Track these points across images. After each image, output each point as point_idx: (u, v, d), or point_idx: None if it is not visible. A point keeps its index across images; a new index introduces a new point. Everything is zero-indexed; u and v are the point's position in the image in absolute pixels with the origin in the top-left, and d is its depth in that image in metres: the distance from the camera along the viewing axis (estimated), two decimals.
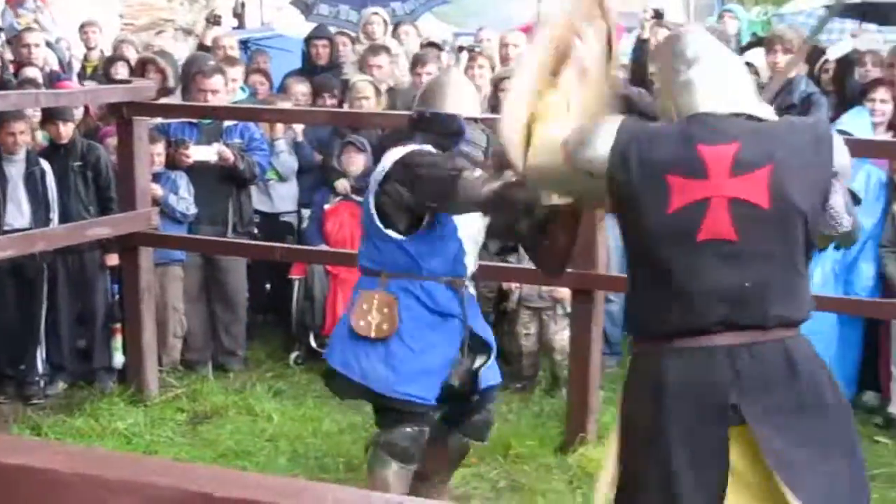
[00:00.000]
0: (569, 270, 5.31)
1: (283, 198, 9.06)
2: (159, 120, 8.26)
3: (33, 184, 7.60)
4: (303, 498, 1.45)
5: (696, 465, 3.60)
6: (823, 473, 3.66)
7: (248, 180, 8.38)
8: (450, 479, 5.88)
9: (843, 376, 7.42)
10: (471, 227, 5.24)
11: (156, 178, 7.94)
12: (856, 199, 4.18)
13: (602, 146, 3.73)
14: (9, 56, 10.31)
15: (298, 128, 9.02)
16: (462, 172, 4.87)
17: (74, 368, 7.93)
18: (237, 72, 9.26)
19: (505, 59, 9.53)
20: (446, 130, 5.19)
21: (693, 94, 3.80)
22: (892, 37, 11.09)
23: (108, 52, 11.61)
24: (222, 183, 8.28)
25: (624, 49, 11.55)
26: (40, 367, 7.70)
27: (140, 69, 9.05)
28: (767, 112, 3.92)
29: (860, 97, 7.85)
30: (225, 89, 8.47)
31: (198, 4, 18.13)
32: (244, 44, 12.49)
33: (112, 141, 7.92)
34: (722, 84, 3.84)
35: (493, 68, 9.20)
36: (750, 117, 3.80)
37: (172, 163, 8.21)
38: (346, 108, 8.80)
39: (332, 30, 11.16)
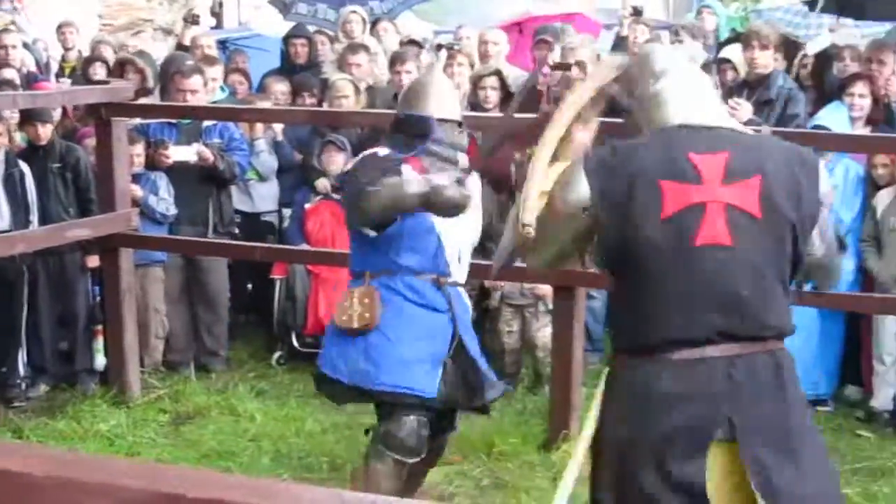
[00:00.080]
0: None
1: (263, 197, 9.06)
2: (138, 120, 8.24)
3: (12, 186, 7.57)
4: (277, 498, 1.45)
5: (685, 469, 3.57)
6: (805, 497, 3.66)
7: (228, 180, 8.37)
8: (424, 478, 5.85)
9: (824, 370, 7.48)
10: (454, 227, 5.22)
11: (135, 178, 7.92)
12: (842, 245, 4.15)
13: (580, 179, 3.72)
14: None
15: (278, 127, 9.00)
16: (379, 182, 4.92)
17: (56, 370, 7.91)
18: (216, 71, 9.24)
19: (484, 57, 9.53)
20: (416, 132, 5.20)
21: (665, 106, 3.80)
22: (869, 31, 11.12)
23: (86, 53, 11.57)
24: (202, 183, 8.27)
25: (603, 45, 11.61)
26: (21, 369, 7.67)
27: (119, 70, 9.04)
28: (740, 126, 3.98)
29: (838, 92, 7.87)
30: (204, 89, 8.45)
31: (177, 4, 18.08)
32: (222, 44, 12.47)
33: (90, 142, 7.91)
34: (693, 96, 3.86)
35: (472, 66, 9.20)
36: (733, 130, 3.83)
37: (152, 163, 8.19)
38: (325, 107, 8.79)
39: (311, 29, 11.15)
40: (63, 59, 12.96)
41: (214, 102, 8.79)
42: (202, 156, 8.15)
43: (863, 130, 7.63)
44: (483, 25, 11.16)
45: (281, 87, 9.31)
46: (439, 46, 9.68)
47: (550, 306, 7.34)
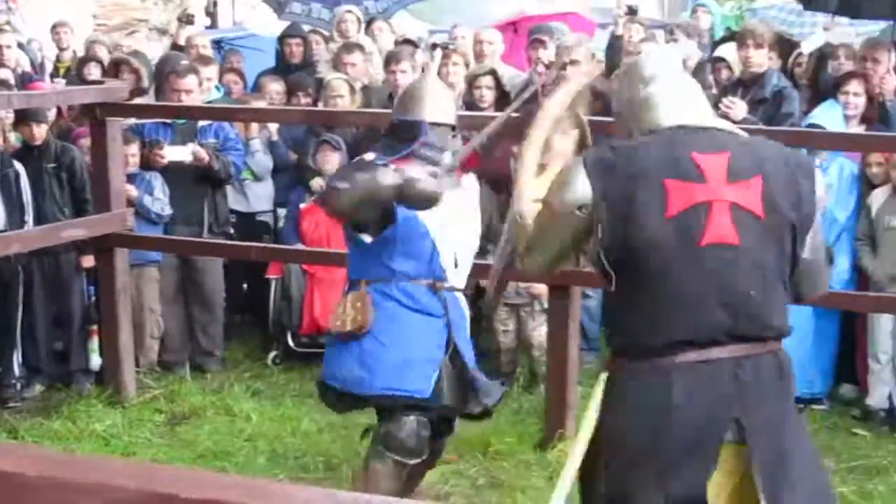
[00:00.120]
0: None
1: (258, 197, 9.05)
2: (133, 120, 8.23)
3: (7, 186, 7.56)
4: (271, 498, 1.45)
5: (687, 483, 3.56)
6: (805, 496, 3.68)
7: (223, 180, 8.37)
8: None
9: (820, 369, 7.49)
10: (450, 230, 5.18)
11: (130, 178, 7.91)
12: (829, 257, 4.16)
13: (580, 178, 3.70)
14: None
15: (273, 127, 9.01)
16: (351, 178, 4.93)
17: (51, 371, 7.90)
18: (211, 71, 9.23)
19: (479, 56, 9.53)
20: (407, 136, 5.20)
21: (656, 109, 3.81)
22: (864, 29, 11.13)
23: (81, 53, 11.57)
24: (197, 183, 8.26)
25: (598, 45, 11.60)
26: (17, 369, 7.67)
27: (114, 70, 9.03)
28: (733, 127, 3.99)
29: (833, 90, 7.88)
30: (199, 89, 8.45)
31: (172, 4, 18.07)
32: (217, 44, 12.47)
33: (85, 142, 7.90)
34: (684, 99, 3.88)
35: (467, 65, 9.20)
36: (729, 131, 3.84)
37: (147, 163, 8.19)
38: (320, 106, 8.79)
39: (306, 28, 11.14)
40: (58, 60, 12.96)
41: (209, 102, 8.79)
42: (197, 156, 8.14)
43: (857, 129, 7.63)
44: (478, 25, 11.17)
45: (276, 87, 9.31)
46: (434, 46, 9.67)
47: (546, 305, 7.34)
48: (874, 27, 11.07)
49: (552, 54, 8.72)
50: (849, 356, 7.76)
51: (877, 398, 7.42)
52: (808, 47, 9.20)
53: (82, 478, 1.59)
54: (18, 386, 7.68)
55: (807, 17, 12.05)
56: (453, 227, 5.17)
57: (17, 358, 7.67)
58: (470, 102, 8.42)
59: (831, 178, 7.59)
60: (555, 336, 6.76)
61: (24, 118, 7.76)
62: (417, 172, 4.90)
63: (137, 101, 8.11)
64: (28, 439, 6.90)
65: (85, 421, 7.10)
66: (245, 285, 9.35)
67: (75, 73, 10.24)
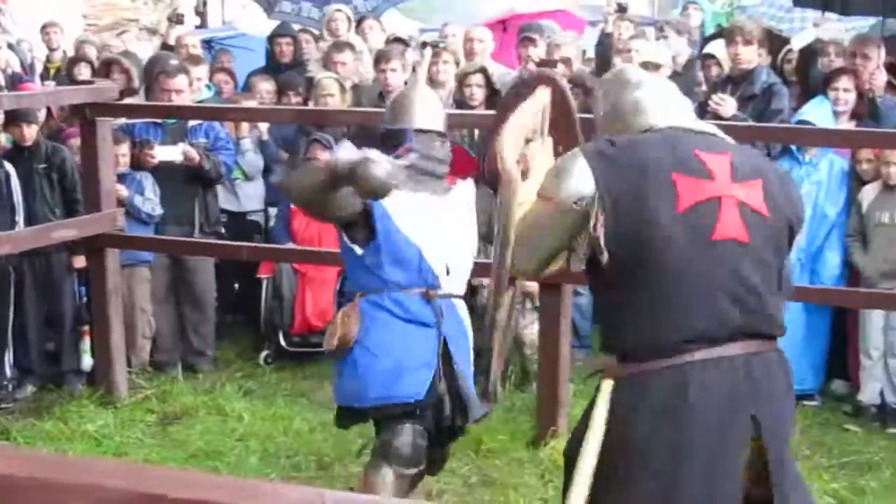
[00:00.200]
0: None
1: (249, 197, 9.05)
2: (123, 120, 8.23)
3: None
4: (257, 497, 1.45)
5: (716, 485, 3.53)
6: (801, 494, 3.70)
7: (213, 180, 8.37)
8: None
9: (811, 365, 7.50)
10: (437, 237, 5.09)
11: (121, 178, 7.91)
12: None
13: (579, 168, 3.65)
14: None
15: (264, 126, 9.01)
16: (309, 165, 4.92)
17: (43, 371, 7.89)
18: (202, 70, 9.23)
19: (469, 55, 9.53)
20: (392, 144, 5.16)
21: (645, 113, 3.82)
22: (853, 25, 11.14)
23: (71, 53, 11.56)
24: (188, 183, 8.26)
25: (588, 42, 11.62)
26: (8, 370, 7.65)
27: (104, 70, 9.02)
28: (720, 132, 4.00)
29: (823, 87, 7.89)
30: (189, 89, 8.44)
31: (162, 4, 18.05)
32: (207, 43, 12.45)
33: (75, 142, 7.89)
34: (672, 103, 3.89)
35: (457, 64, 9.20)
36: (723, 137, 3.86)
37: (138, 163, 8.18)
38: (311, 105, 8.78)
39: (296, 27, 11.14)
40: (48, 60, 12.94)
41: (200, 102, 8.79)
42: (188, 155, 8.14)
43: (847, 125, 7.64)
44: (468, 23, 11.17)
45: (266, 86, 9.31)
46: (424, 44, 9.67)
47: (537, 303, 7.34)
48: (864, 23, 11.08)
49: (542, 52, 8.72)
50: (840, 352, 7.77)
51: (868, 394, 7.43)
52: (797, 43, 9.22)
53: (72, 479, 1.59)
54: (10, 387, 7.67)
55: (796, 13, 12.05)
56: (441, 234, 5.10)
57: (8, 359, 7.66)
58: (460, 101, 8.42)
59: (821, 175, 7.62)
60: (546, 334, 6.76)
61: (13, 119, 7.75)
62: (377, 156, 4.81)
63: (128, 101, 8.10)
64: (20, 440, 6.89)
65: (77, 421, 7.09)
66: (236, 285, 9.35)
67: (65, 74, 10.22)
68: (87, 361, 7.91)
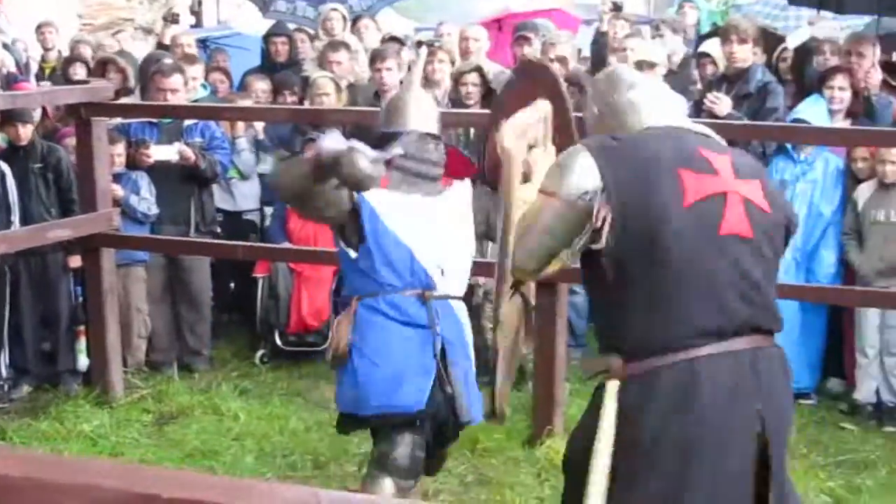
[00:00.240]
0: None
1: (245, 196, 9.05)
2: (119, 120, 8.22)
3: None
4: (251, 497, 1.45)
5: (725, 485, 3.54)
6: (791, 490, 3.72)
7: (209, 179, 8.36)
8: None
9: (807, 363, 7.51)
10: (429, 238, 5.05)
11: (116, 178, 7.90)
12: None
13: (583, 163, 3.64)
14: None
15: (259, 126, 9.00)
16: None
17: (39, 371, 7.88)
18: (197, 70, 9.21)
19: (465, 53, 9.53)
20: (385, 146, 5.13)
21: (641, 112, 3.83)
22: (848, 24, 11.16)
23: (66, 53, 11.55)
24: (184, 182, 8.25)
25: (583, 41, 11.62)
26: (4, 370, 7.65)
27: (100, 69, 9.02)
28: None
29: (818, 85, 7.89)
30: (184, 88, 8.43)
31: (157, 3, 18.05)
32: (203, 43, 12.46)
33: (70, 141, 7.89)
34: (668, 104, 3.91)
35: (452, 63, 9.20)
36: (717, 138, 3.89)
37: (133, 163, 8.17)
38: (306, 105, 8.78)
39: (291, 26, 11.14)
40: (43, 60, 12.93)
41: (196, 101, 8.78)
42: (183, 155, 8.13)
43: (842, 123, 7.65)
44: (463, 22, 11.17)
45: (262, 86, 9.30)
46: (420, 43, 9.67)
47: (533, 302, 7.32)
48: (859, 21, 11.11)
49: (537, 51, 8.71)
50: (836, 350, 7.78)
51: (864, 392, 7.44)
52: (792, 42, 9.21)
53: (66, 479, 1.59)
54: (6, 387, 7.67)
55: (791, 11, 12.09)
56: (434, 235, 5.05)
57: (4, 359, 7.66)
58: (456, 99, 8.42)
59: (816, 174, 7.62)
60: (542, 333, 6.74)
61: (9, 119, 7.73)
62: (362, 147, 4.80)
63: (123, 100, 8.09)
64: (16, 440, 6.88)
65: (73, 421, 7.09)
66: (232, 284, 9.35)
67: (61, 73, 10.22)
68: (82, 361, 7.89)
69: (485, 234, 5.26)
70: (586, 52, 11.11)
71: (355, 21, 11.07)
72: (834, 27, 10.57)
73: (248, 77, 9.67)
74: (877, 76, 7.94)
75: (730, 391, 3.53)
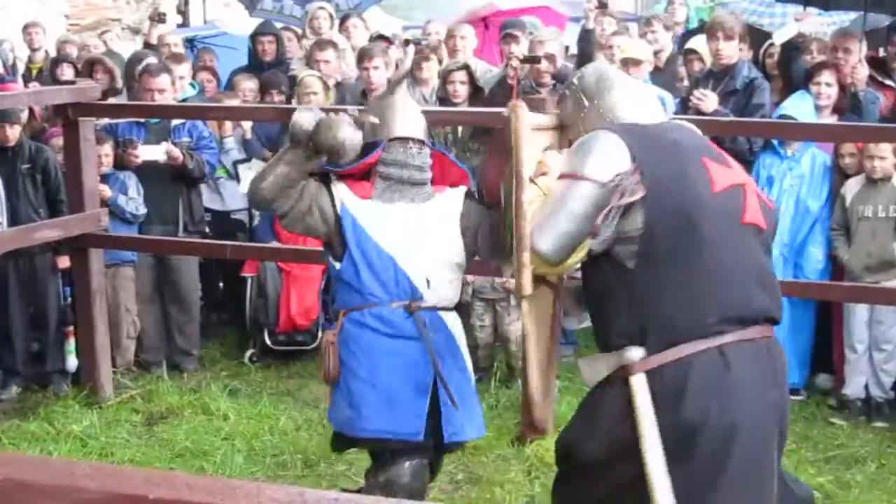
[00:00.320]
0: None
1: (233, 195, 9.03)
2: (106, 120, 8.21)
3: None
4: (236, 497, 1.46)
5: (760, 467, 3.55)
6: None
7: (197, 179, 8.36)
8: None
9: (796, 359, 7.51)
10: (414, 248, 4.93)
11: (104, 178, 7.89)
12: None
13: (612, 143, 3.62)
14: None
15: (247, 125, 8.99)
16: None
17: (27, 372, 7.87)
18: (184, 69, 9.20)
19: (452, 51, 9.53)
20: (369, 151, 5.08)
21: (626, 111, 3.84)
22: (834, 19, 11.17)
23: (52, 53, 11.53)
24: (172, 182, 8.25)
25: (570, 38, 11.61)
26: None
27: (87, 69, 9.00)
28: None
29: (805, 81, 7.90)
30: (171, 88, 8.41)
31: (144, 3, 18.01)
32: (190, 42, 12.44)
33: (58, 142, 7.87)
34: (653, 105, 3.93)
35: (440, 61, 9.20)
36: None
37: (121, 163, 8.16)
38: (294, 103, 8.76)
39: (278, 25, 11.13)
40: (30, 60, 12.90)
41: (184, 100, 8.77)
42: (171, 154, 8.12)
43: (829, 119, 7.66)
44: (450, 20, 11.18)
45: (249, 85, 9.29)
46: (407, 42, 9.67)
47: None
48: (845, 17, 11.11)
49: (525, 48, 8.71)
50: (825, 346, 7.79)
51: (853, 388, 7.45)
52: (779, 38, 9.21)
53: (50, 480, 1.59)
54: None
55: (777, 7, 12.09)
56: (420, 243, 4.94)
57: None
58: (444, 97, 8.43)
59: (804, 169, 7.63)
60: None
61: None
62: (343, 116, 4.82)
63: (111, 100, 8.08)
64: (4, 441, 6.87)
65: (62, 422, 7.08)
66: (221, 284, 9.33)
67: (48, 74, 10.20)
68: (71, 362, 7.88)
69: (473, 252, 5.15)
70: (574, 50, 11.11)
71: (343, 20, 11.06)
72: (820, 23, 10.59)
73: (236, 76, 9.66)
74: (863, 72, 7.95)
75: (757, 379, 3.56)
